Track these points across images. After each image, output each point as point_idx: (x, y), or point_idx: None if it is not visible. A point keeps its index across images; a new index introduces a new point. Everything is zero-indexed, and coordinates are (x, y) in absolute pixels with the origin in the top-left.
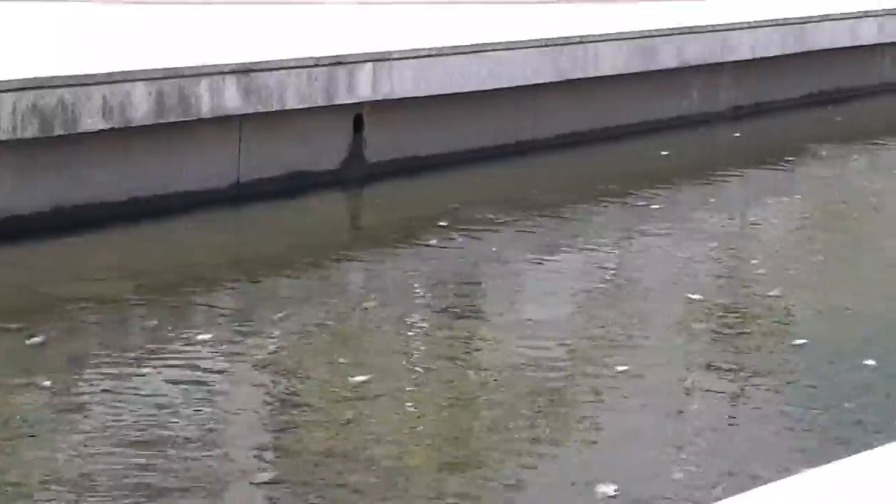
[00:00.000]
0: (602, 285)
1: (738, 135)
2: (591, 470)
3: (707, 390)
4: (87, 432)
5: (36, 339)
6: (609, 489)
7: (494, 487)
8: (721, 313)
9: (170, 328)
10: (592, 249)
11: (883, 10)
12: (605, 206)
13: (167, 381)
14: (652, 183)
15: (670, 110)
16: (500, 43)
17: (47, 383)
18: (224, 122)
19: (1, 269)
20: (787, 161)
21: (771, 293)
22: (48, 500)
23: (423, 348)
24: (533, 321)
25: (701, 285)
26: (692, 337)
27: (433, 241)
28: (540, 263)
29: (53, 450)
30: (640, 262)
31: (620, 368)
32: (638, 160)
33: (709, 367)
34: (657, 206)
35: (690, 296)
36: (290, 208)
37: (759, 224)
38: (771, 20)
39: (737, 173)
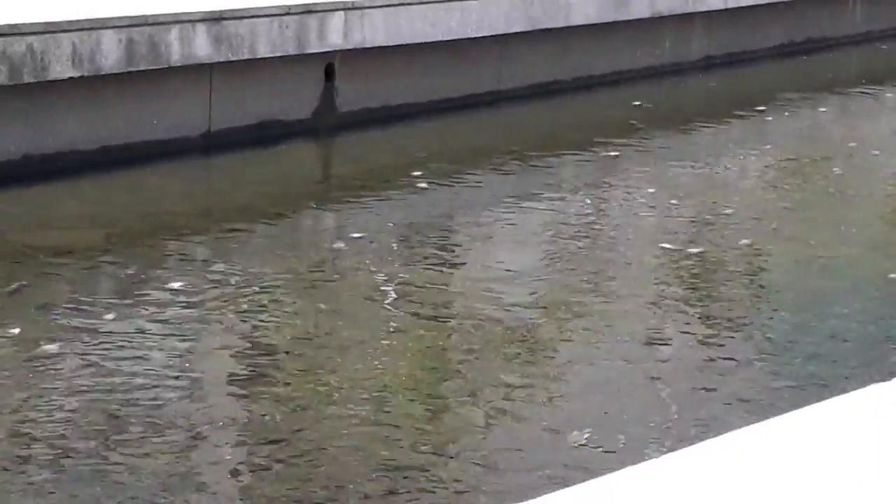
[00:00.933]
0: (573, 234)
1: (710, 85)
2: (562, 418)
3: (679, 337)
4: (56, 381)
5: (7, 288)
6: (580, 437)
7: (466, 434)
8: (693, 262)
9: (141, 277)
10: (563, 198)
11: None
12: (576, 156)
13: (138, 330)
14: (624, 133)
15: (643, 60)
16: None
17: (16, 331)
18: (195, 70)
19: None
20: (759, 111)
21: (742, 242)
22: (19, 448)
23: (393, 296)
24: (503, 269)
25: (672, 234)
26: (663, 285)
27: (404, 190)
28: (510, 212)
29: (21, 399)
30: (611, 211)
31: (590, 317)
32: (609, 110)
33: (680, 315)
34: (628, 156)
35: (662, 245)
36: (261, 158)
37: (731, 173)
38: None
39: (709, 123)
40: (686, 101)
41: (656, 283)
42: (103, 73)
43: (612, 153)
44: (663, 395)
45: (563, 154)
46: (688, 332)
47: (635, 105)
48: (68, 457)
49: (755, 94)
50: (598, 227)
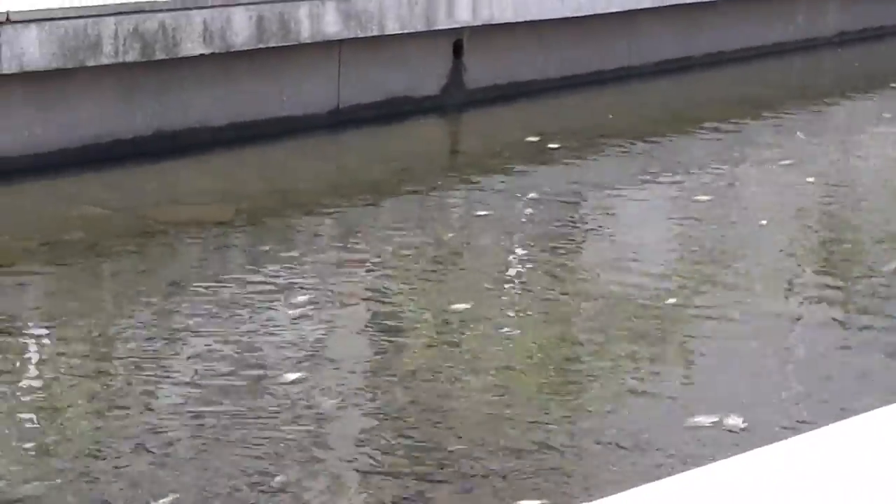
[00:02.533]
0: (703, 211)
1: (845, 60)
2: (691, 397)
3: (814, 317)
4: (189, 356)
5: (139, 264)
6: (707, 419)
7: (592, 412)
8: (829, 240)
9: (270, 252)
10: (693, 175)
11: None
12: (706, 133)
13: (267, 305)
14: (755, 109)
15: (774, 36)
16: None
17: (147, 307)
18: (324, 47)
19: (103, 193)
20: (894, 87)
21: (880, 220)
22: (154, 421)
23: (522, 274)
24: (633, 246)
25: (805, 212)
26: (797, 265)
27: (532, 167)
28: (640, 189)
29: (158, 373)
30: (744, 188)
31: (722, 295)
32: (741, 86)
33: (816, 294)
34: (760, 133)
35: (794, 223)
36: (390, 134)
37: (867, 150)
38: None
39: (843, 99)
40: (820, 76)
41: (789, 262)
42: (234, 49)
43: (743, 130)
44: (796, 376)
45: (693, 131)
46: (824, 312)
47: (767, 81)
48: (202, 429)
49: (890, 70)
50: (729, 204)
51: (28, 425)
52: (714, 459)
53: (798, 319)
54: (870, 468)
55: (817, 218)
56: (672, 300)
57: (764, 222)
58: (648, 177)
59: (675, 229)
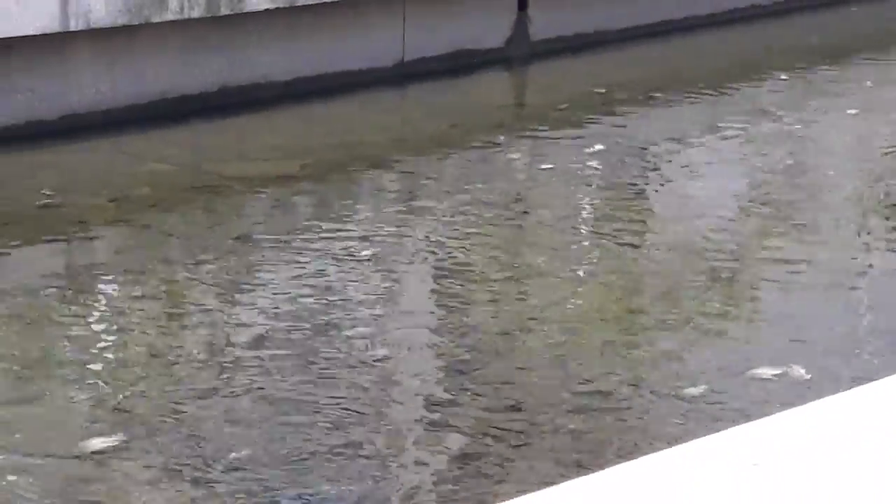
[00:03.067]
0: (772, 163)
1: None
2: (753, 351)
3: (884, 266)
4: (253, 312)
5: (205, 220)
6: (769, 371)
7: (656, 365)
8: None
9: (336, 207)
10: (762, 125)
11: None
12: (774, 81)
13: (334, 260)
14: (824, 58)
15: None
16: None
17: (214, 262)
18: (388, 0)
19: (169, 149)
20: None
21: None
22: (221, 378)
23: (591, 227)
24: (701, 198)
25: (878, 166)
26: (866, 217)
27: (599, 119)
28: (708, 140)
29: (222, 331)
30: (816, 138)
31: (788, 248)
32: (810, 34)
33: (883, 248)
34: (830, 81)
35: (865, 177)
36: (455, 87)
37: None
38: None
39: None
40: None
41: (858, 215)
42: (298, 4)
43: (812, 78)
44: (859, 330)
45: (762, 80)
46: (891, 267)
47: (836, 30)
48: (265, 385)
49: None
50: (798, 153)
51: (99, 380)
52: (772, 413)
53: (868, 268)
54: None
55: (887, 166)
56: (740, 250)
57: (832, 172)
58: (717, 126)
59: (743, 179)
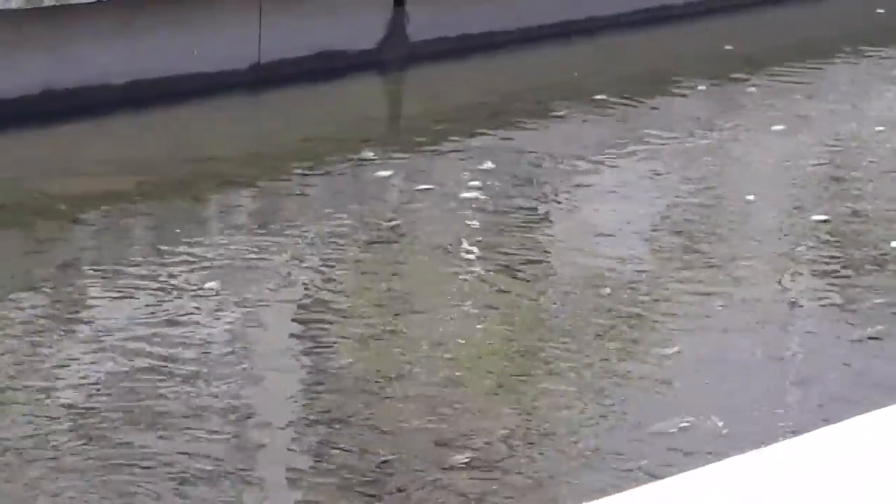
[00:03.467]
0: (684, 184)
1: (854, 7)
2: (666, 402)
3: (806, 307)
4: (79, 349)
5: (26, 245)
6: (677, 423)
7: (553, 418)
8: (822, 216)
9: (177, 231)
10: (672, 142)
11: None
12: (687, 92)
13: (172, 290)
14: (743, 66)
15: None
16: None
17: (36, 293)
18: None
19: None
20: None
21: (879, 193)
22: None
23: (477, 257)
24: (600, 225)
25: (804, 192)
26: (788, 243)
27: (483, 133)
28: (608, 159)
29: (32, 371)
30: (730, 156)
31: (704, 278)
32: (727, 39)
33: (807, 281)
34: (749, 93)
35: (786, 196)
36: (319, 94)
37: (872, 113)
38: None
39: (850, 55)
40: (822, 28)
41: (771, 240)
42: None
43: (729, 89)
44: (784, 376)
45: (673, 90)
46: (817, 301)
47: (760, 34)
48: (90, 437)
49: None
50: (714, 176)
51: None
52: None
53: (791, 305)
54: (853, 475)
55: (813, 200)
56: (645, 285)
57: (751, 197)
58: (620, 143)
59: (649, 204)
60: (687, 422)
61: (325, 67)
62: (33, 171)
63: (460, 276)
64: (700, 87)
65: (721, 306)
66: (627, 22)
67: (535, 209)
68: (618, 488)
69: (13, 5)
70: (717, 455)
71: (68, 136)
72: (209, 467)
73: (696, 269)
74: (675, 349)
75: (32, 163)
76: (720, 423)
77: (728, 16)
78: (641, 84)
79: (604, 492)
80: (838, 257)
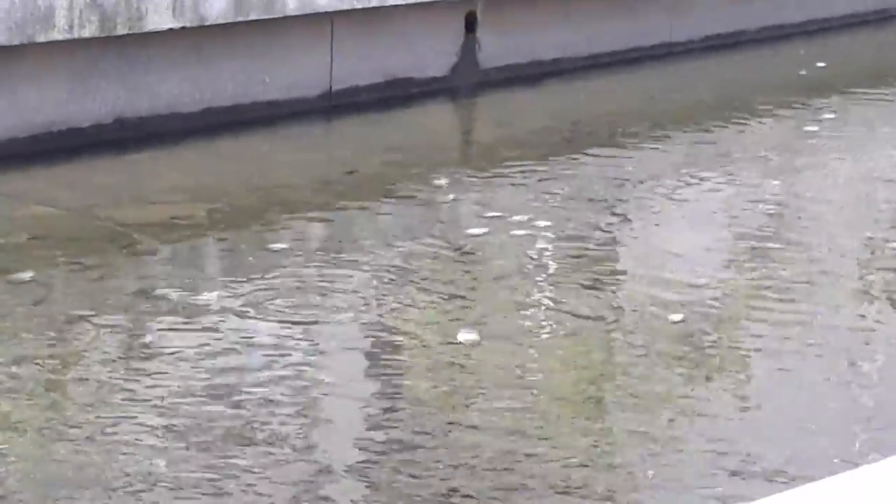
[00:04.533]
0: (760, 212)
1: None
2: (740, 438)
3: (887, 338)
4: (153, 378)
5: (97, 272)
6: (748, 449)
7: (624, 452)
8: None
9: (249, 260)
10: (745, 169)
11: None
12: (760, 120)
13: (246, 319)
14: (818, 91)
15: (843, 6)
16: None
17: (108, 320)
18: (314, 20)
19: (57, 191)
20: None
21: None
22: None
23: (549, 284)
24: (675, 253)
25: (882, 212)
26: (865, 273)
27: (557, 160)
28: (685, 185)
29: (114, 402)
30: (804, 185)
31: (780, 307)
32: (802, 65)
33: (890, 311)
34: (822, 120)
35: (865, 225)
36: (390, 121)
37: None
38: None
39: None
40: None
41: (855, 269)
42: (208, 23)
43: (802, 116)
44: (863, 410)
45: (746, 117)
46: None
47: (834, 58)
48: (168, 467)
49: None
50: (788, 203)
51: None
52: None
53: (870, 334)
54: None
55: (889, 219)
56: (721, 310)
57: (830, 220)
58: (694, 168)
59: (724, 229)
60: (764, 448)
61: (396, 94)
62: (106, 200)
63: (533, 303)
64: (775, 112)
65: (799, 331)
66: (699, 48)
67: (609, 234)
68: None
69: (86, 34)
70: (797, 480)
71: (140, 165)
72: (280, 490)
73: (772, 293)
74: (751, 375)
75: (105, 191)
76: (797, 449)
77: (802, 40)
78: (714, 109)
79: None
80: None
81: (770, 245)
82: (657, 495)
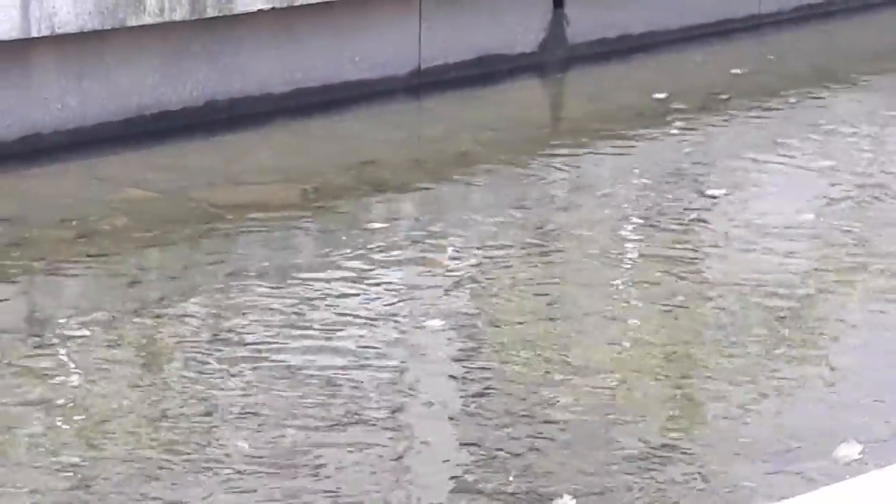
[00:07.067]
0: (853, 184)
1: None
2: (833, 421)
3: None
4: (245, 360)
5: (193, 254)
6: (852, 450)
7: (720, 423)
8: None
9: (342, 238)
10: (841, 140)
11: None
12: (853, 91)
13: (341, 298)
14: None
15: None
16: None
17: (203, 303)
18: None
19: (148, 173)
20: None
21: None
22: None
23: (642, 261)
24: (767, 225)
25: None
26: None
27: (649, 134)
28: (777, 158)
29: (200, 381)
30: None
31: (874, 283)
32: (886, 35)
33: None
34: None
35: None
36: (480, 98)
37: None
38: None
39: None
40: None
41: None
42: (297, 3)
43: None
44: None
45: (838, 88)
46: None
47: None
48: (258, 447)
49: None
50: (878, 176)
51: (64, 441)
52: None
53: None
54: None
55: None
56: (812, 285)
57: None
58: (787, 140)
59: (816, 201)
60: (855, 428)
61: (485, 71)
62: (198, 182)
63: (623, 278)
64: (867, 81)
65: (892, 306)
66: (789, 19)
67: (699, 209)
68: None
69: (177, 17)
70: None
71: (231, 146)
72: (367, 470)
73: (863, 268)
74: (844, 351)
75: (197, 173)
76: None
77: (891, 9)
78: (807, 81)
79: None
80: None
81: (865, 219)
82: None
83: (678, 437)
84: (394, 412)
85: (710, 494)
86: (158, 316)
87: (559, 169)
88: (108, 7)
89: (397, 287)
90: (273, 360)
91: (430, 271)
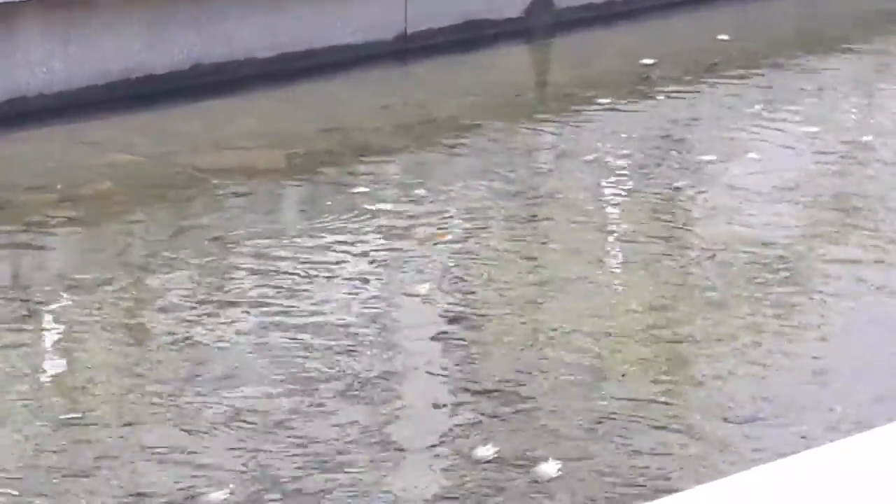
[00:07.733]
0: (835, 149)
1: None
2: (818, 366)
3: None
4: (230, 326)
5: (179, 218)
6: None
7: (705, 386)
8: None
9: (327, 204)
10: (822, 107)
11: None
12: (838, 57)
13: (323, 263)
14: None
15: None
16: None
17: (190, 267)
18: None
19: (133, 137)
20: None
21: None
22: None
23: (627, 225)
24: (751, 191)
25: None
26: None
27: (633, 100)
28: (759, 124)
29: (185, 345)
30: (881, 124)
31: (855, 246)
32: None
33: None
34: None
35: None
36: (466, 64)
37: None
38: None
39: None
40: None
41: None
42: None
43: (885, 53)
44: None
45: (823, 54)
46: None
47: None
48: (250, 412)
49: None
50: (863, 143)
51: (50, 403)
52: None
53: None
54: None
55: None
56: (798, 250)
57: None
58: (771, 107)
59: (803, 169)
60: (838, 391)
61: (472, 36)
62: (183, 146)
63: (611, 245)
64: (855, 48)
65: (876, 270)
66: None
67: (684, 175)
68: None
69: None
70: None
71: (216, 111)
72: (355, 439)
73: (849, 231)
74: (827, 315)
75: (182, 137)
76: (875, 395)
77: None
78: (792, 47)
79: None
80: None
81: (852, 183)
82: (742, 440)
83: (663, 399)
84: (378, 375)
85: (696, 458)
86: (142, 279)
87: (546, 134)
88: None
89: (383, 252)
90: (258, 322)
91: (418, 239)
